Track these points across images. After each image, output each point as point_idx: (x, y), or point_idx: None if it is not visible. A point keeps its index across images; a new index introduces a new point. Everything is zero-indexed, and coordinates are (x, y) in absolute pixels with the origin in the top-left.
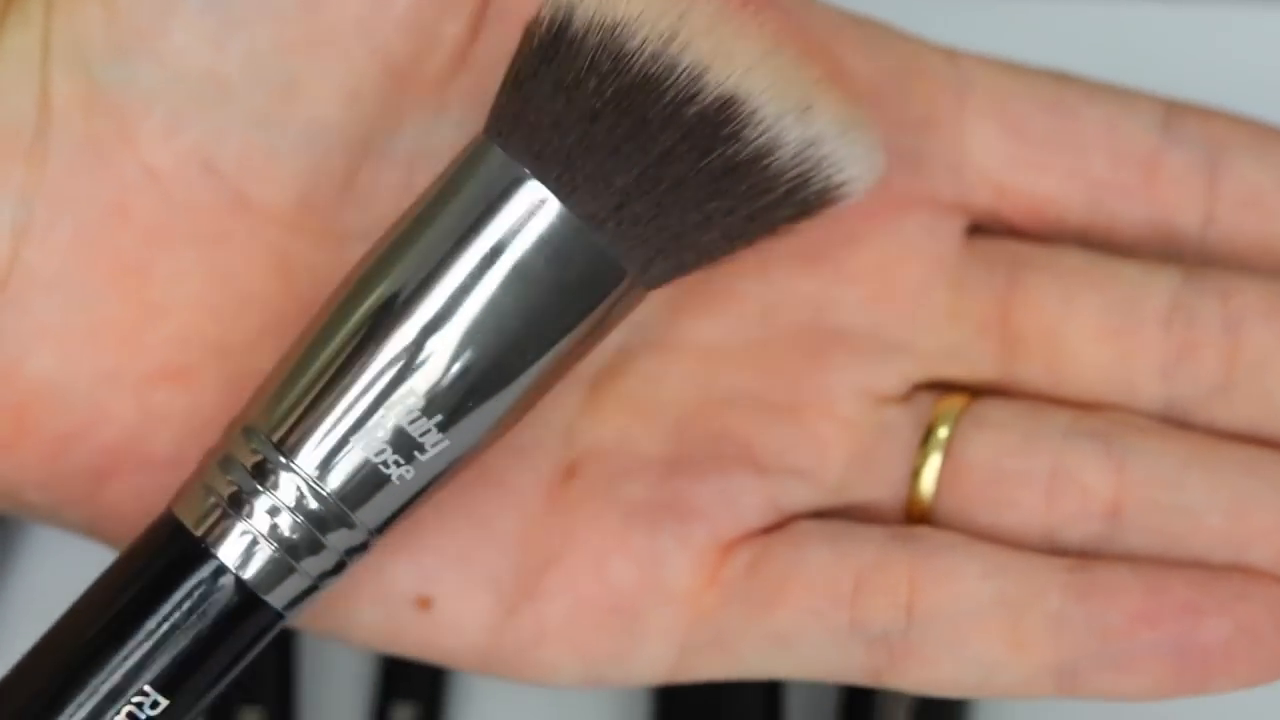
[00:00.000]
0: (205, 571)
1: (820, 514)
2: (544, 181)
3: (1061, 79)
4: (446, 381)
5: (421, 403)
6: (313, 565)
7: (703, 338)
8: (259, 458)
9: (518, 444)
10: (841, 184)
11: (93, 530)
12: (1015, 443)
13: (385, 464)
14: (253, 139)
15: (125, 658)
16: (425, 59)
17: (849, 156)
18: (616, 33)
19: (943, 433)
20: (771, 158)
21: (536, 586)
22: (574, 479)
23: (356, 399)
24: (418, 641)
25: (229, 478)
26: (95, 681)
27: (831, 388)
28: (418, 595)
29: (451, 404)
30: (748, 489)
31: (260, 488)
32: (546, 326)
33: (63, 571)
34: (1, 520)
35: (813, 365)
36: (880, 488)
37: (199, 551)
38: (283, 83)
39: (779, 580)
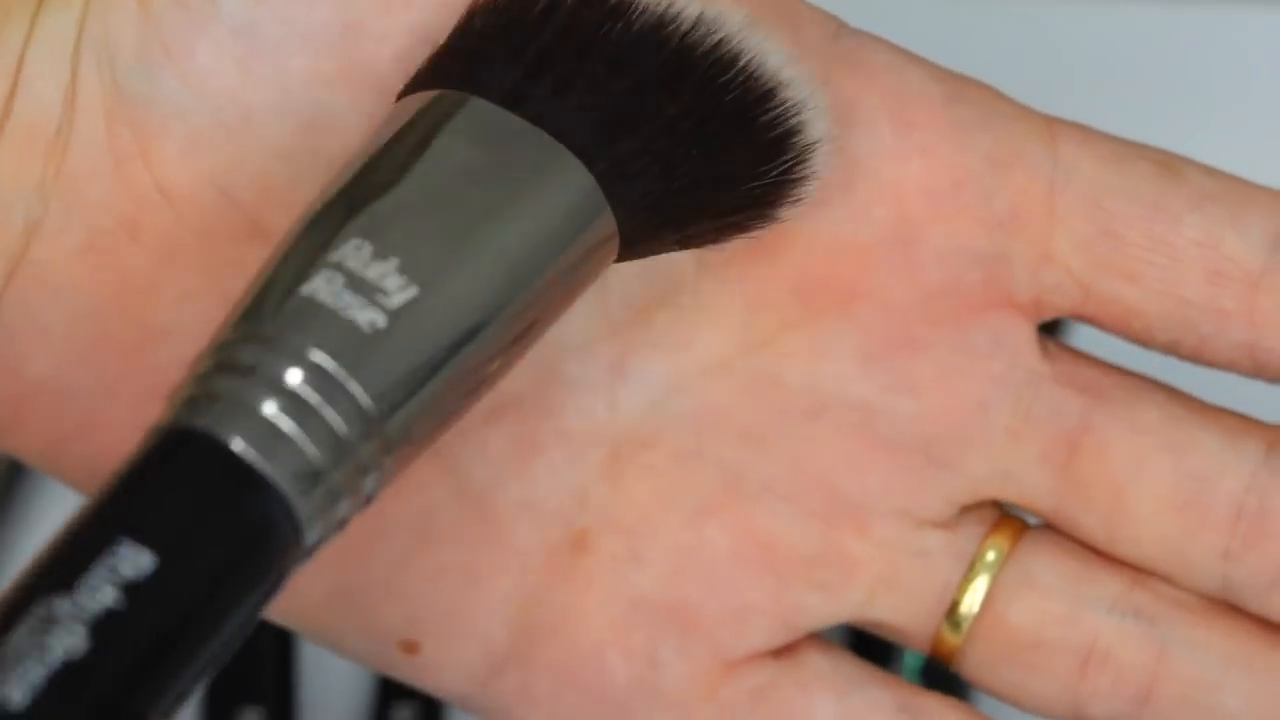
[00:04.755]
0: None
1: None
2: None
3: (1169, 173)
4: (390, 218)
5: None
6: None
7: (743, 422)
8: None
9: (525, 498)
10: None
11: None
12: (1059, 613)
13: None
14: (273, 169)
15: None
16: None
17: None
18: None
19: (981, 584)
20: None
21: (527, 654)
22: (583, 553)
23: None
24: (405, 676)
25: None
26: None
27: (869, 504)
28: (404, 638)
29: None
30: (760, 608)
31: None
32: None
33: None
34: (3, 505)
35: (853, 477)
36: (907, 615)
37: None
38: (311, 116)
39: None
